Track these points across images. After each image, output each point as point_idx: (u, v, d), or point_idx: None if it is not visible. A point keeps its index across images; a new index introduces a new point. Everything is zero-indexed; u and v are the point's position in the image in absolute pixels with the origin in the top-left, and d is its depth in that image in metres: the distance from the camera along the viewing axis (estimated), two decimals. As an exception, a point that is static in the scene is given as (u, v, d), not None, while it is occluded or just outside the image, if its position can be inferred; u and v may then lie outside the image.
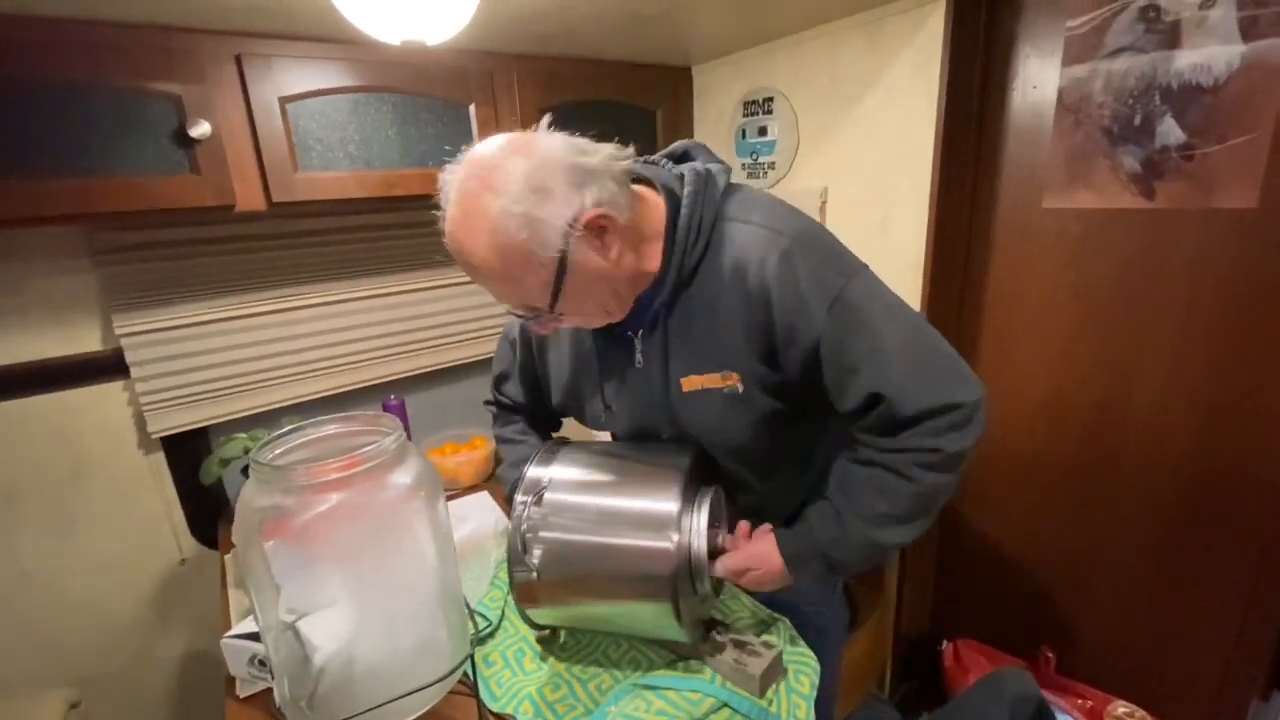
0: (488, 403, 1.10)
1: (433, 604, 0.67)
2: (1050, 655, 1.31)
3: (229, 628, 0.97)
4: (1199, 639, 1.17)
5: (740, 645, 0.82)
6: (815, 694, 0.81)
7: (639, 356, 0.82)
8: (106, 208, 1.03)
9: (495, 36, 1.24)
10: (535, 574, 0.74)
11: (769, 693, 0.79)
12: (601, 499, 0.78)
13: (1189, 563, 1.16)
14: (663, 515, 0.75)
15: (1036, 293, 1.25)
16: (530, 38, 1.28)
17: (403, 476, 0.61)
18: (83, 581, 1.39)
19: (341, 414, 0.66)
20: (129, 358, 1.29)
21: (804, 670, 0.83)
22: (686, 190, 0.75)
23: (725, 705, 0.76)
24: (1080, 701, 1.25)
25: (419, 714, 0.65)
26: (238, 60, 1.08)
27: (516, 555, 0.75)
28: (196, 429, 1.41)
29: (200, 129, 1.05)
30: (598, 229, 0.67)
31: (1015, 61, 1.19)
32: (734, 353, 0.77)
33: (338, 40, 1.15)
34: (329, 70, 1.16)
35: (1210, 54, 0.97)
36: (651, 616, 0.76)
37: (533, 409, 1.05)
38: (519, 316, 0.74)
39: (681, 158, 0.84)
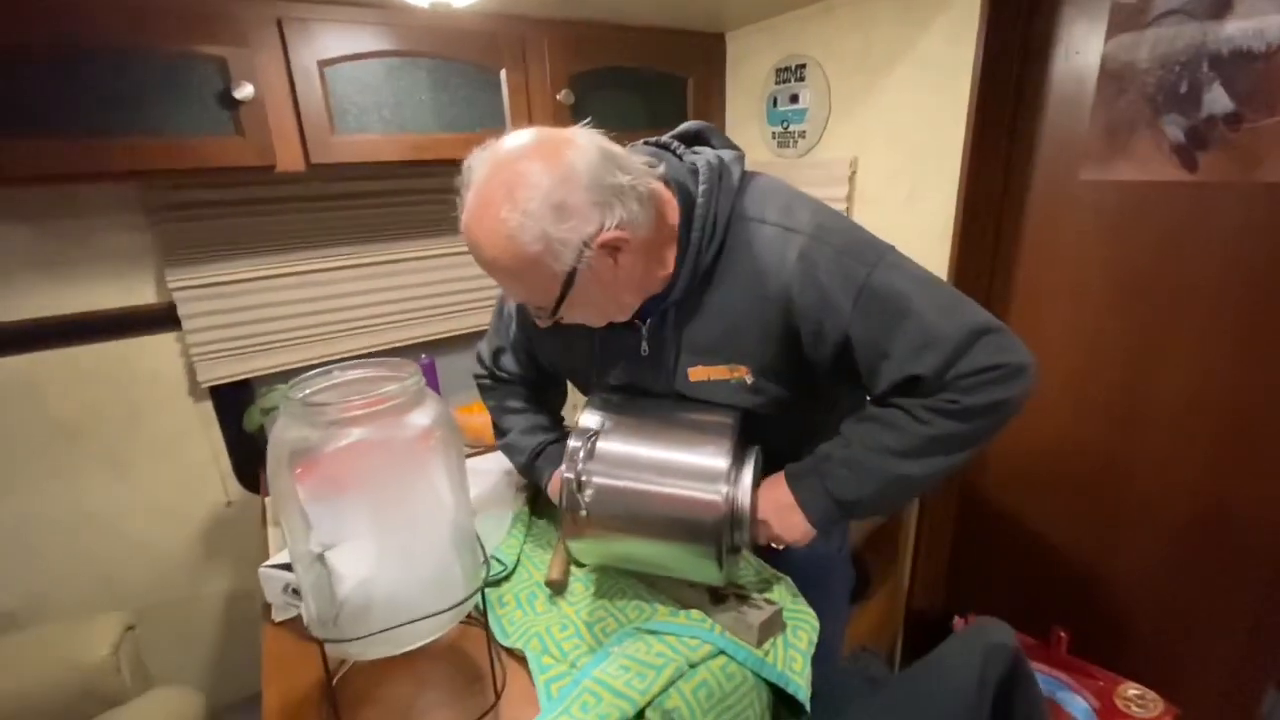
0: (478, 375, 1.06)
1: (447, 541, 0.71)
2: (1063, 635, 1.31)
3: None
4: (1214, 625, 1.15)
5: (742, 599, 0.84)
6: (813, 650, 0.84)
7: (645, 345, 0.83)
8: (160, 165, 1.10)
9: (526, 1, 1.25)
10: (585, 511, 0.79)
11: (767, 644, 0.81)
12: (654, 450, 0.82)
13: (1208, 548, 1.13)
14: (715, 469, 0.78)
15: (1068, 268, 1.22)
16: (562, 2, 1.28)
17: (421, 418, 0.65)
18: (138, 520, 1.50)
19: (365, 359, 0.71)
20: (180, 311, 1.37)
21: (803, 626, 0.85)
22: (701, 187, 0.73)
23: (722, 652, 0.79)
24: (1091, 682, 1.25)
25: (434, 638, 0.70)
26: (279, 24, 1.12)
27: (570, 492, 0.79)
28: (241, 380, 1.49)
29: (244, 91, 1.09)
30: (612, 247, 0.67)
31: (1058, 26, 1.15)
32: (745, 350, 0.77)
33: (372, 4, 1.18)
34: (365, 34, 1.19)
35: (1264, 20, 0.92)
36: (692, 560, 0.80)
37: (533, 380, 1.03)
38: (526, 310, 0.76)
39: (693, 140, 0.82)
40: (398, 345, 1.63)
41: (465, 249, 1.64)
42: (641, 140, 0.82)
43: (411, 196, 1.55)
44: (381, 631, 0.63)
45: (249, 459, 1.58)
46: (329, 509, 0.65)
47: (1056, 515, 1.35)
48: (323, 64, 1.16)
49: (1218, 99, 0.98)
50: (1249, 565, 1.09)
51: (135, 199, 1.32)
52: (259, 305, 1.44)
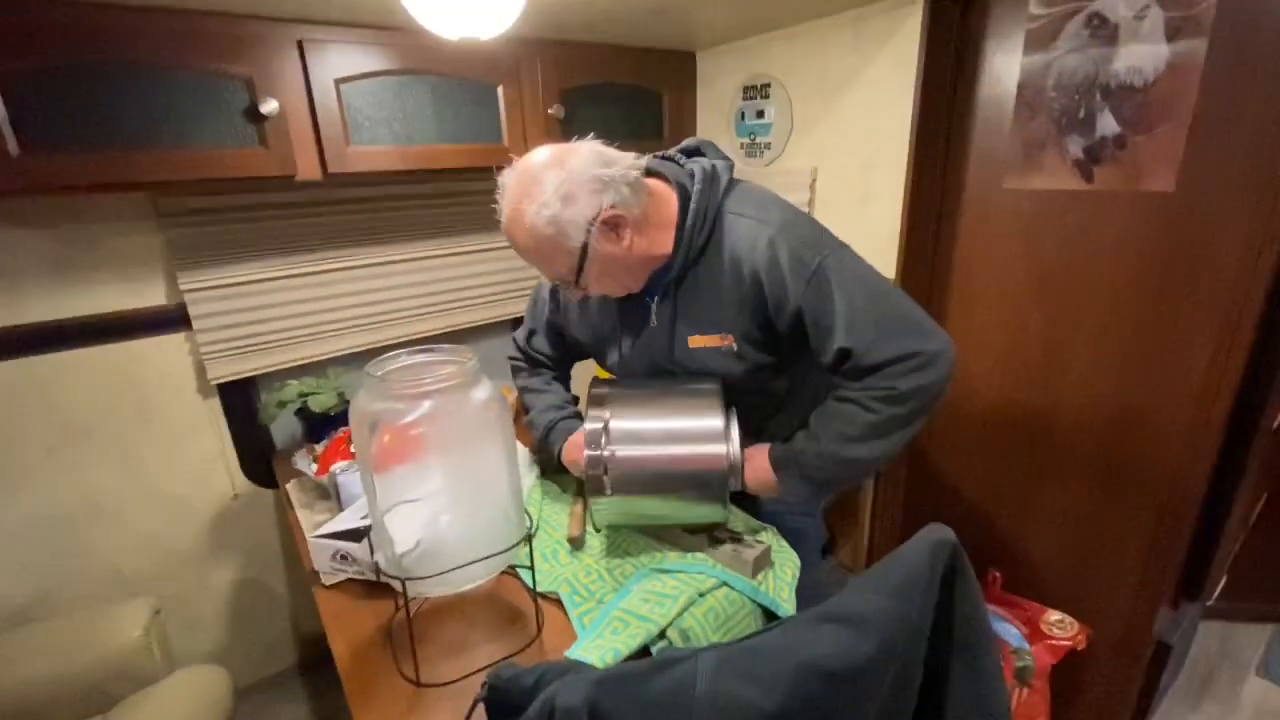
0: (513, 358, 1.26)
1: (502, 497, 0.85)
2: (997, 575, 1.53)
3: (303, 540, 1.16)
4: (1119, 559, 1.38)
5: (737, 541, 1.01)
6: (796, 582, 1.01)
7: (653, 318, 1.01)
8: (188, 176, 1.18)
9: (524, 25, 1.38)
10: (608, 479, 0.93)
11: (759, 576, 0.98)
12: (660, 421, 0.98)
13: (1113, 494, 1.36)
14: (714, 429, 0.94)
15: (995, 263, 1.43)
16: (553, 26, 1.42)
17: (481, 393, 0.79)
18: (147, 513, 1.55)
19: (430, 345, 0.84)
20: (192, 311, 1.44)
21: (787, 563, 1.02)
22: (695, 187, 0.93)
23: (724, 584, 0.95)
24: (1021, 612, 1.47)
25: (490, 578, 0.84)
26: (299, 45, 1.22)
27: (595, 469, 0.93)
28: (245, 378, 1.56)
29: (270, 106, 1.19)
30: (613, 224, 0.86)
31: (982, 58, 1.35)
32: (730, 320, 0.95)
33: (392, 28, 1.29)
34: (378, 54, 1.30)
35: (1141, 56, 1.14)
36: (701, 506, 0.97)
37: (556, 361, 1.23)
38: (557, 284, 0.95)
39: (694, 152, 1.01)
40: (401, 340, 1.72)
41: (465, 249, 1.84)
42: (651, 154, 1.00)
43: (415, 201, 1.66)
44: (458, 568, 0.76)
45: (255, 454, 1.65)
46: (413, 469, 0.78)
47: (991, 474, 1.56)
48: (339, 81, 1.27)
49: (1108, 123, 1.20)
50: (1142, 505, 1.32)
51: (146, 205, 1.38)
52: (269, 305, 1.52)
